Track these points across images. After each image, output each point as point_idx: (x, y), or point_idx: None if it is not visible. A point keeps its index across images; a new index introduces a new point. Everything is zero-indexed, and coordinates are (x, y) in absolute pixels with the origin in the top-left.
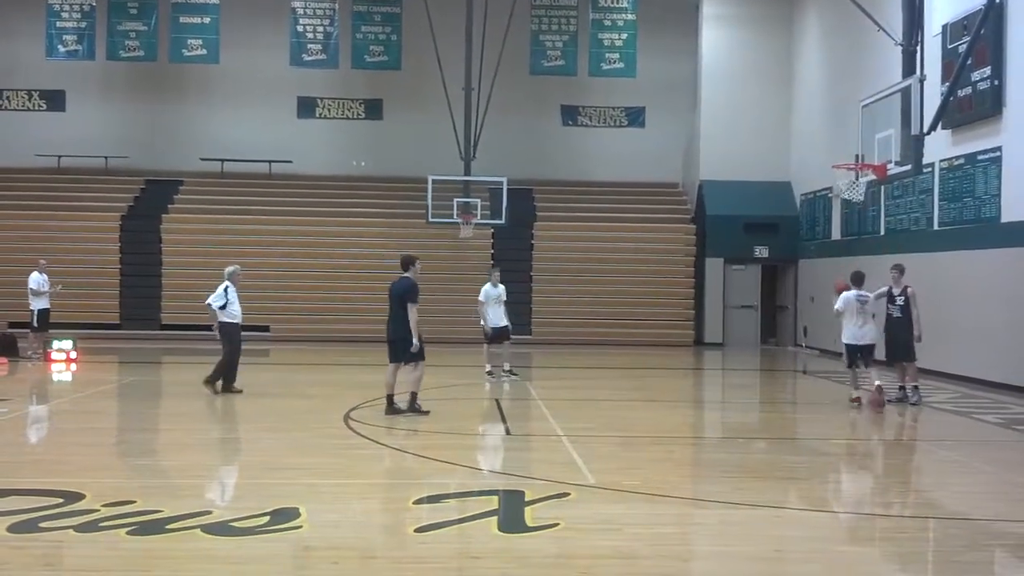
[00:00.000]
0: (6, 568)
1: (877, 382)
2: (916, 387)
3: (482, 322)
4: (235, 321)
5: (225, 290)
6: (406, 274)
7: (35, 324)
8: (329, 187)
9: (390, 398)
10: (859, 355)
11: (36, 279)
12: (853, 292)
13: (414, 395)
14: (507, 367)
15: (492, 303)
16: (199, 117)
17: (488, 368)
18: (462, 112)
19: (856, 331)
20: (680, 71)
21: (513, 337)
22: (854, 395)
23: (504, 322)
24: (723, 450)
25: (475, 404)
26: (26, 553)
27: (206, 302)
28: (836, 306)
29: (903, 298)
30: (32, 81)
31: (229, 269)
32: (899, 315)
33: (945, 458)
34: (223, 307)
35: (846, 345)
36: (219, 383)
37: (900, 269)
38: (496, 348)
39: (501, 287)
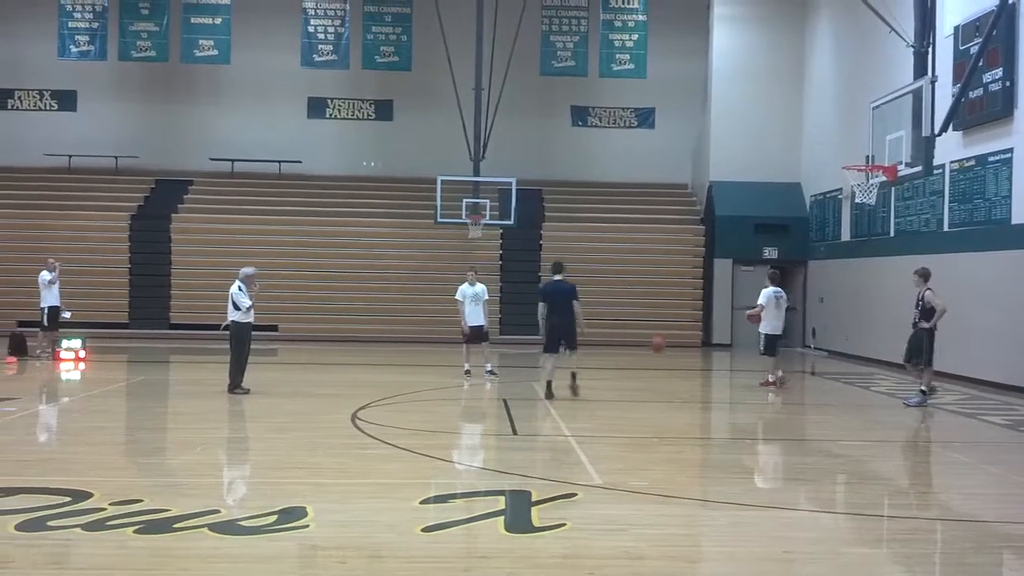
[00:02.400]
0: (14, 566)
1: (771, 373)
2: (923, 391)
3: (462, 321)
4: (246, 321)
5: (239, 290)
6: (558, 277)
7: (45, 323)
8: (338, 187)
9: (550, 384)
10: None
11: (45, 277)
12: (772, 289)
13: (574, 375)
14: (489, 367)
15: (469, 302)
16: (209, 117)
17: (466, 367)
18: (472, 113)
19: (775, 323)
20: (690, 72)
21: (522, 337)
22: (784, 376)
23: (481, 321)
24: (731, 451)
25: (482, 404)
26: (34, 551)
27: (238, 310)
28: (759, 301)
29: (921, 303)
30: (43, 81)
31: (247, 271)
32: (917, 320)
33: (953, 459)
34: (237, 306)
35: (766, 335)
36: (240, 379)
37: (920, 274)
38: (475, 347)
39: (480, 286)
